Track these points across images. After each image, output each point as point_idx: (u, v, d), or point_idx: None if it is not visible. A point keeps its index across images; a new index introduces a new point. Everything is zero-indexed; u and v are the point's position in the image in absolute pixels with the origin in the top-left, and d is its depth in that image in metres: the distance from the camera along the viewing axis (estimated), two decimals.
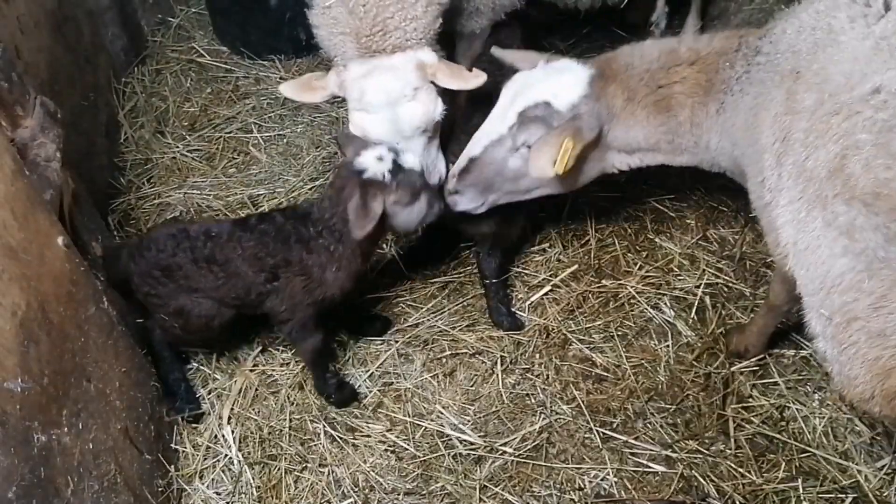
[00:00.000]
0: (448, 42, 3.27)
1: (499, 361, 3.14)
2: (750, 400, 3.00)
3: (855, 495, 2.71)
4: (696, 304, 3.27)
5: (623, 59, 2.71)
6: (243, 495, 2.81)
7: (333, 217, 2.70)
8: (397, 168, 2.63)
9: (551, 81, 2.73)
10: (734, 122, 2.53)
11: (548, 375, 3.11)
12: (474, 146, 2.81)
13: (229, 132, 4.04)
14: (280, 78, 4.31)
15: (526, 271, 3.44)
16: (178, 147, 3.95)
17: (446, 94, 2.89)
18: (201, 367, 3.14)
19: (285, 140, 4.00)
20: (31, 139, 2.44)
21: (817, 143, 2.13)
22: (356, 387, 3.08)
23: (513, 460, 2.87)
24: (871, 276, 1.96)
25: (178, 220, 3.13)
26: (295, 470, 2.86)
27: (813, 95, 2.17)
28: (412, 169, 2.67)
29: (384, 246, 3.54)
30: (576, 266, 3.43)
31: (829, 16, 2.22)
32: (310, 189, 3.75)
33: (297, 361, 3.13)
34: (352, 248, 2.74)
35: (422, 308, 3.32)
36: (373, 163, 2.63)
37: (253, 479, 2.83)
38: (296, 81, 2.92)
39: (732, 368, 3.08)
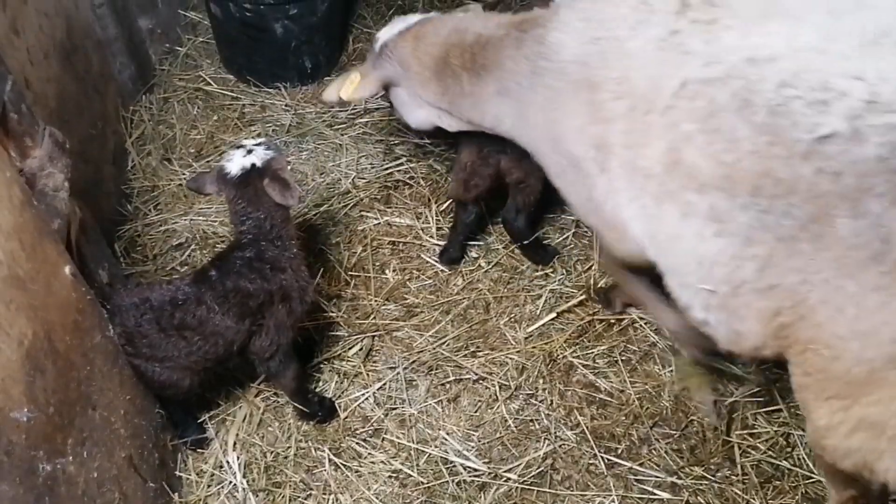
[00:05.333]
0: None
1: (503, 387, 3.14)
2: (755, 426, 2.99)
3: None
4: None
5: (430, 23, 3.07)
6: None
7: (271, 224, 2.78)
8: (266, 145, 2.83)
9: (398, 24, 3.16)
10: (529, 120, 2.74)
11: (552, 401, 3.10)
12: None
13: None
14: (286, 105, 4.36)
15: (529, 293, 3.45)
16: (184, 174, 3.98)
17: None
18: (206, 394, 3.14)
19: (290, 167, 4.02)
20: (40, 169, 2.47)
21: (640, 141, 2.27)
22: (360, 412, 3.08)
23: (517, 487, 2.86)
24: (751, 243, 2.05)
25: (140, 285, 3.05)
26: (299, 497, 2.86)
27: (623, 102, 2.31)
28: (269, 138, 3.00)
29: (386, 271, 3.56)
30: (579, 291, 3.44)
31: (613, 26, 2.37)
32: (314, 215, 3.78)
33: None
34: (296, 241, 2.87)
35: (426, 333, 3.33)
36: (250, 158, 2.77)
37: None
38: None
39: (736, 395, 3.07)
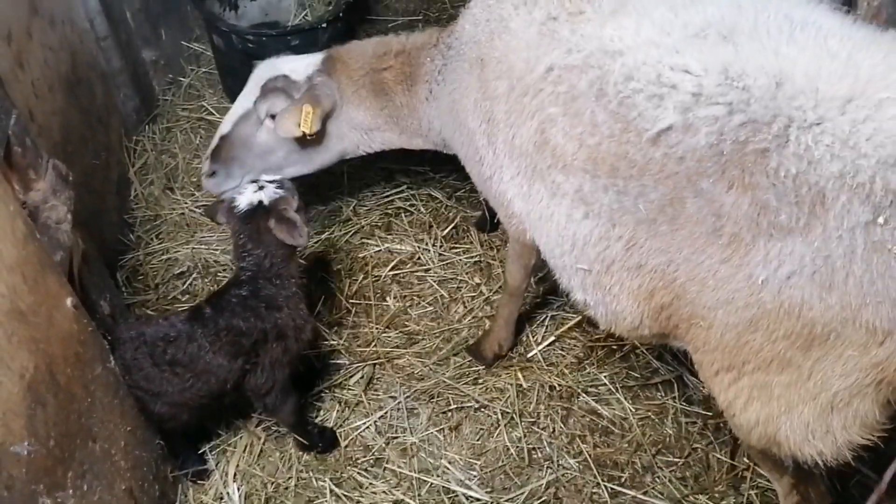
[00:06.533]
0: None
1: (504, 415, 3.13)
2: None
3: None
4: None
5: (348, 48, 3.18)
6: None
7: (271, 260, 2.78)
8: (279, 183, 2.85)
9: (291, 62, 3.19)
10: (442, 108, 2.95)
11: (554, 428, 3.09)
12: (225, 124, 3.21)
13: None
14: None
15: (530, 318, 3.45)
16: (186, 203, 4.01)
17: None
18: (206, 424, 3.13)
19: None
20: (43, 202, 2.50)
21: (517, 122, 2.46)
22: (361, 441, 3.07)
23: None
24: (615, 224, 2.21)
25: (139, 318, 3.08)
26: None
27: (504, 82, 2.51)
28: (284, 178, 2.99)
29: (387, 299, 3.56)
30: (579, 317, 3.44)
31: (499, 7, 2.60)
32: (315, 242, 3.79)
33: None
34: (295, 278, 2.85)
35: (427, 361, 3.32)
36: (259, 195, 2.79)
37: None
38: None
39: None
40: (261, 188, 2.81)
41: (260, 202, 2.77)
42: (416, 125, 3.15)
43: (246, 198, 2.79)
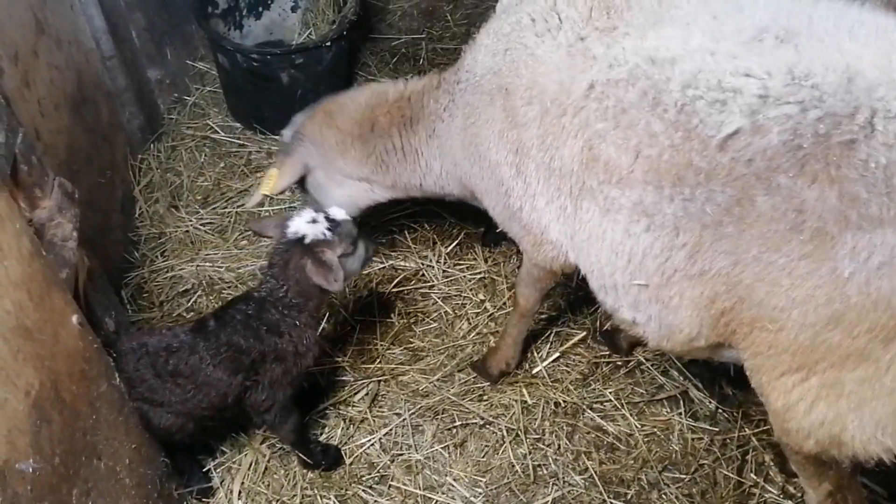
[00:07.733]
0: None
1: (509, 431, 3.11)
2: (767, 467, 2.95)
3: None
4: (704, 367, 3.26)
5: (339, 100, 3.15)
6: None
7: (287, 292, 2.72)
8: (334, 223, 2.73)
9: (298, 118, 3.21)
10: (451, 145, 2.88)
11: (559, 445, 3.08)
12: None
13: (241, 205, 4.12)
14: None
15: (534, 335, 3.45)
16: (191, 221, 4.03)
17: None
18: (211, 441, 3.13)
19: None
20: (49, 220, 2.50)
21: (555, 144, 2.39)
22: (366, 458, 3.06)
23: None
24: (679, 232, 2.15)
25: (140, 330, 3.07)
26: None
27: (535, 107, 2.45)
28: (345, 220, 2.78)
29: (391, 315, 3.56)
30: (584, 333, 3.44)
31: (519, 37, 2.54)
32: None
33: None
34: (310, 312, 2.79)
35: (432, 378, 3.32)
36: (308, 227, 2.71)
37: None
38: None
39: (747, 431, 3.04)
40: (314, 221, 2.72)
41: (304, 237, 2.70)
42: (410, 168, 3.08)
43: (296, 225, 2.71)
